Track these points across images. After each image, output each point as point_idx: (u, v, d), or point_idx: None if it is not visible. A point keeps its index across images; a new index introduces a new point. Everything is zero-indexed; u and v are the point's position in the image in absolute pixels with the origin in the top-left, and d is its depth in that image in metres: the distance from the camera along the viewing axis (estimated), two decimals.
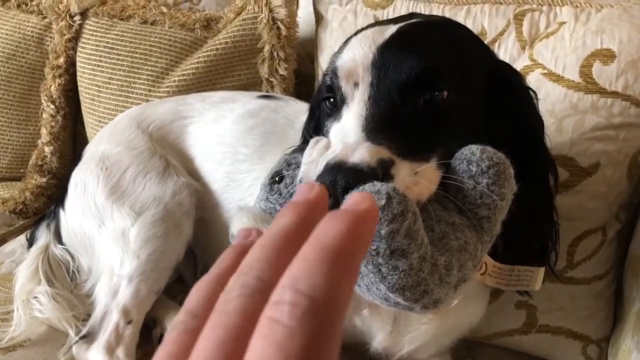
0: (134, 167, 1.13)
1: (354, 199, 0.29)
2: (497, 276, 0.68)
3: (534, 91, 0.81)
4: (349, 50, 0.71)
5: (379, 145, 0.60)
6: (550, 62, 1.05)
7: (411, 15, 0.79)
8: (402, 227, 0.52)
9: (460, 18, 1.17)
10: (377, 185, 0.53)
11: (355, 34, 0.76)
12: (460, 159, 0.63)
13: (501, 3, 1.16)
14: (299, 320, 0.24)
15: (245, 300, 0.26)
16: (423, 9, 1.21)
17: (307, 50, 1.45)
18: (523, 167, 0.75)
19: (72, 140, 1.63)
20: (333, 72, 0.71)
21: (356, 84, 0.68)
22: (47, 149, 1.56)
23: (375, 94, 0.66)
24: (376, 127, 0.63)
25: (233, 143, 1.12)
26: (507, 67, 0.78)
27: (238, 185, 1.10)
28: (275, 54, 1.35)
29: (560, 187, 0.99)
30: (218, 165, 1.13)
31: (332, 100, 0.72)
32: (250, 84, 1.39)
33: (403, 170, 0.60)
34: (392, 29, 0.71)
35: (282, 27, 1.33)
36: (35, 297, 1.07)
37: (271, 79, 1.37)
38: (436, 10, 1.20)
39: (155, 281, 1.05)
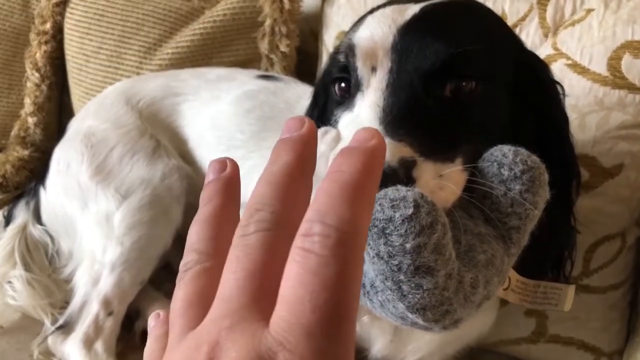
0: (121, 146, 1.05)
1: (362, 136, 0.30)
2: (521, 292, 0.61)
3: (561, 86, 0.74)
4: (367, 28, 0.62)
5: (400, 141, 0.53)
6: (576, 53, 0.97)
7: None
8: (430, 240, 0.45)
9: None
10: (402, 190, 0.46)
11: (371, 11, 0.67)
12: (490, 161, 0.55)
13: None
14: (330, 249, 0.25)
15: (265, 234, 0.28)
16: None
17: (310, 27, 1.36)
18: (549, 163, 0.68)
19: (58, 112, 1.54)
20: (349, 49, 0.62)
21: (374, 69, 0.60)
22: (31, 120, 1.47)
23: (395, 82, 0.58)
24: (395, 120, 0.55)
25: (228, 127, 1.04)
26: (535, 59, 0.70)
27: None
28: (276, 29, 1.26)
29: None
30: (212, 150, 1.05)
31: (343, 84, 0.64)
32: (249, 60, 1.31)
33: (427, 172, 0.52)
34: (414, 8, 0.63)
35: (286, 1, 1.24)
36: (9, 282, 1.00)
37: (271, 56, 1.28)
38: None
39: (140, 271, 0.98)
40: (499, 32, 0.67)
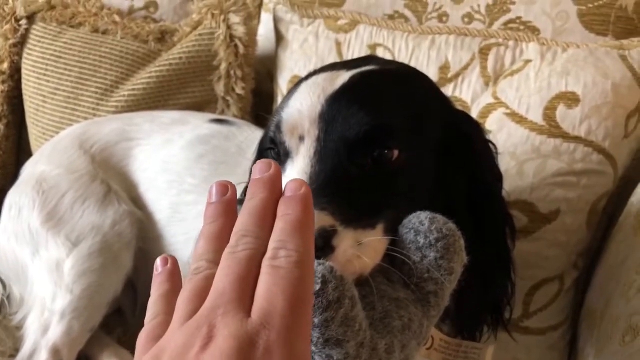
0: (73, 192, 1.06)
1: (294, 186, 0.42)
2: (444, 351, 0.64)
3: (494, 144, 0.77)
4: (297, 99, 0.65)
5: (322, 210, 0.55)
6: (514, 102, 1.01)
7: (367, 59, 0.73)
8: (337, 315, 0.47)
9: (424, 48, 1.13)
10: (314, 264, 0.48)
11: (307, 78, 0.70)
12: (408, 228, 0.58)
13: (467, 35, 1.12)
14: (293, 264, 0.38)
15: (250, 252, 0.39)
16: (386, 37, 1.16)
17: (267, 68, 1.39)
18: (480, 222, 0.71)
19: (16, 150, 1.53)
20: (277, 125, 0.66)
21: (302, 138, 0.63)
22: None
23: (322, 150, 0.61)
24: (320, 188, 0.58)
25: (180, 172, 1.06)
26: (466, 120, 0.74)
27: (183, 217, 1.04)
28: (232, 72, 1.28)
29: (518, 233, 0.95)
30: (163, 194, 1.07)
31: (275, 152, 0.67)
32: (205, 102, 1.32)
33: (346, 242, 0.55)
34: (345, 76, 0.66)
35: (240, 46, 1.27)
36: None
37: (227, 98, 1.31)
38: (400, 39, 1.15)
39: (90, 318, 0.98)
40: (427, 97, 0.70)
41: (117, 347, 1.02)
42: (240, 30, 1.26)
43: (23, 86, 1.43)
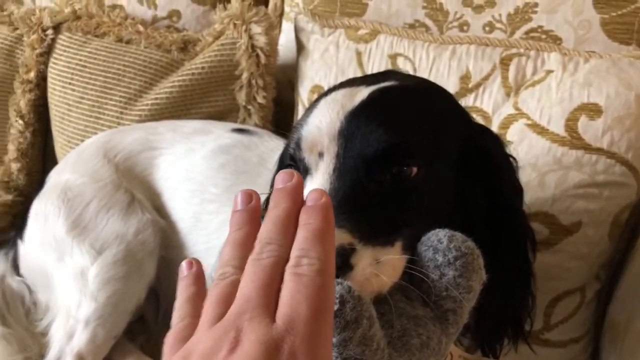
0: (97, 201, 1.08)
1: (314, 196, 0.44)
2: None
3: (514, 158, 0.77)
4: (316, 116, 0.66)
5: (340, 227, 0.56)
6: (535, 113, 1.01)
7: (387, 74, 0.74)
8: (355, 335, 0.48)
9: (444, 58, 1.13)
10: None
11: (325, 93, 0.71)
12: (426, 246, 0.58)
13: (488, 44, 1.12)
14: (315, 271, 0.39)
15: (274, 259, 0.41)
16: (407, 46, 1.17)
17: (288, 77, 1.40)
18: (499, 236, 0.71)
19: (42, 157, 1.56)
20: (296, 143, 0.67)
21: (321, 154, 0.64)
22: (14, 166, 1.49)
23: (341, 167, 0.62)
24: (339, 204, 0.58)
25: (202, 181, 1.07)
26: (485, 135, 0.74)
27: (205, 226, 1.05)
28: (253, 81, 1.29)
29: (539, 245, 0.94)
30: (185, 203, 1.08)
31: (295, 167, 0.68)
32: (227, 111, 1.34)
33: (364, 260, 0.55)
34: (364, 92, 0.66)
35: (262, 55, 1.28)
36: None
37: (249, 107, 1.32)
38: (420, 49, 1.15)
39: (114, 326, 1.00)
40: (446, 112, 0.70)
41: (139, 354, 1.04)
42: (261, 40, 1.27)
43: (49, 95, 1.45)
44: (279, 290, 0.40)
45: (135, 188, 1.12)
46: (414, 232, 0.60)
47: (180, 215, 1.09)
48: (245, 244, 0.44)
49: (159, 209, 1.12)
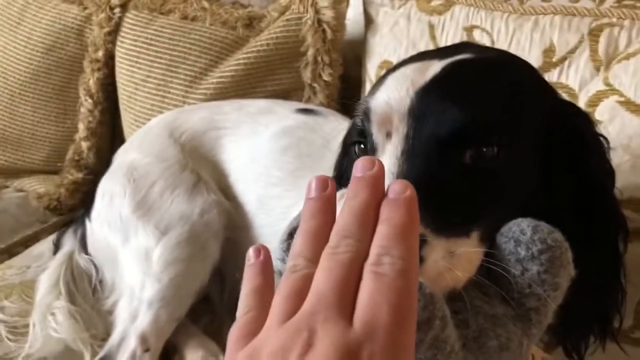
0: (163, 181, 1.07)
1: (398, 188, 0.40)
2: None
3: (605, 137, 0.69)
4: (384, 91, 0.60)
5: None
6: (629, 89, 0.91)
7: (461, 47, 0.67)
8: (426, 337, 0.43)
9: (526, 30, 1.04)
10: None
11: (394, 69, 0.65)
12: (507, 237, 0.52)
13: (575, 14, 1.02)
14: (398, 272, 0.35)
15: (351, 255, 0.37)
16: (484, 18, 1.09)
17: (355, 53, 1.34)
18: (588, 225, 0.64)
19: (111, 136, 1.58)
20: (365, 114, 0.61)
21: (389, 134, 0.58)
22: (84, 144, 1.51)
23: (410, 149, 0.56)
24: None
25: (266, 164, 1.04)
26: (572, 111, 0.66)
27: (269, 210, 1.02)
28: (319, 58, 1.25)
29: (632, 234, 0.86)
30: (250, 185, 1.05)
31: (362, 146, 0.62)
32: (292, 89, 1.30)
33: (436, 252, 0.50)
34: (436, 67, 0.60)
35: (328, 30, 1.23)
36: (52, 314, 1.02)
37: (314, 85, 1.27)
38: (499, 20, 1.07)
39: (177, 308, 0.99)
40: (529, 87, 0.63)
41: (202, 338, 1.02)
42: (328, 14, 1.22)
43: (116, 73, 1.46)
44: (356, 289, 0.36)
45: (201, 168, 1.11)
46: (492, 221, 0.54)
47: (246, 197, 1.06)
48: (319, 235, 0.40)
49: (225, 190, 1.10)
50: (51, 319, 1.01)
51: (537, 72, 0.68)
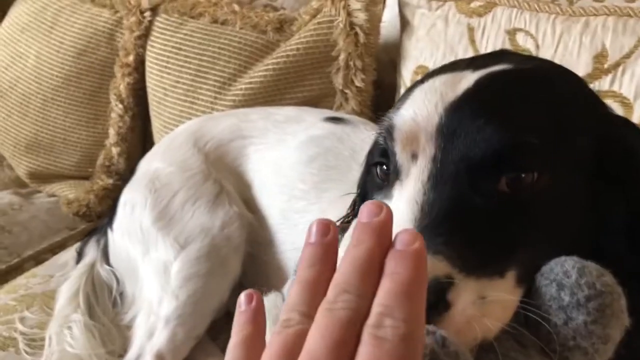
0: (184, 192, 1.03)
1: (406, 239, 0.36)
2: None
3: None
4: (410, 106, 0.53)
5: (435, 254, 0.43)
6: None
7: (499, 55, 0.59)
8: None
9: (575, 33, 0.96)
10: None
11: (422, 80, 0.58)
12: (548, 279, 0.45)
13: (630, 15, 0.93)
14: (400, 337, 0.32)
15: (349, 312, 0.34)
16: (528, 20, 1.00)
17: (390, 57, 1.28)
18: None
19: (142, 142, 1.56)
20: (388, 131, 0.54)
21: (414, 155, 0.51)
22: (115, 150, 1.49)
23: (438, 174, 0.49)
24: (434, 224, 0.46)
25: (291, 175, 0.99)
26: (627, 129, 0.57)
27: (292, 225, 0.97)
28: (351, 63, 1.19)
29: None
30: (273, 199, 1.00)
31: (385, 167, 0.56)
32: (323, 95, 1.24)
33: (465, 297, 0.43)
34: (469, 79, 0.53)
35: (361, 34, 1.16)
36: (69, 327, 0.99)
37: (346, 91, 1.21)
38: (544, 22, 0.99)
39: (195, 326, 0.95)
40: (575, 103, 0.55)
41: (221, 357, 0.98)
42: (360, 17, 1.16)
43: (146, 78, 1.44)
44: (354, 351, 0.33)
45: (224, 178, 1.06)
46: (531, 258, 0.47)
47: (269, 211, 1.01)
48: (317, 287, 0.37)
49: (248, 203, 1.05)
50: (67, 333, 0.98)
51: (585, 84, 0.60)
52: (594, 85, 0.92)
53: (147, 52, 1.42)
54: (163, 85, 1.38)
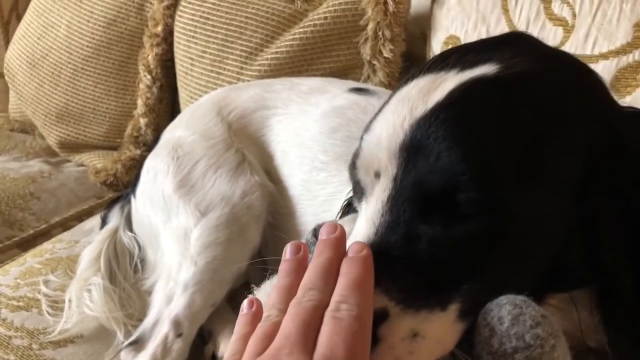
0: (206, 160, 1.02)
1: (356, 248, 0.46)
2: None
3: None
4: (380, 121, 0.51)
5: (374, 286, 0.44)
6: None
7: (510, 42, 0.54)
8: None
9: (615, 0, 0.91)
10: None
11: (407, 80, 0.53)
12: (485, 320, 0.44)
13: None
14: (353, 317, 0.42)
15: (314, 303, 0.44)
16: None
17: (420, 28, 1.25)
18: None
19: (170, 113, 1.56)
20: (353, 159, 0.54)
21: (377, 175, 0.50)
22: (142, 121, 1.50)
23: (397, 195, 0.47)
24: (381, 248, 0.46)
25: (312, 146, 0.97)
26: (631, 128, 0.52)
27: (313, 197, 0.95)
28: (379, 33, 1.16)
29: None
30: (295, 169, 0.99)
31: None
32: (350, 67, 1.22)
33: (397, 332, 0.43)
34: (444, 88, 0.49)
35: (390, 2, 1.13)
36: (88, 290, 1.00)
37: (374, 62, 1.18)
38: None
39: (212, 293, 0.94)
40: (562, 115, 0.49)
41: None
42: None
43: (174, 49, 1.44)
44: (317, 330, 0.41)
45: (247, 148, 1.05)
46: (480, 292, 0.45)
47: (290, 181, 1.00)
48: (291, 290, 0.46)
49: (270, 173, 1.04)
50: (86, 296, 0.99)
51: (589, 83, 0.54)
52: (633, 55, 0.87)
53: (176, 22, 1.42)
54: (190, 56, 1.37)
